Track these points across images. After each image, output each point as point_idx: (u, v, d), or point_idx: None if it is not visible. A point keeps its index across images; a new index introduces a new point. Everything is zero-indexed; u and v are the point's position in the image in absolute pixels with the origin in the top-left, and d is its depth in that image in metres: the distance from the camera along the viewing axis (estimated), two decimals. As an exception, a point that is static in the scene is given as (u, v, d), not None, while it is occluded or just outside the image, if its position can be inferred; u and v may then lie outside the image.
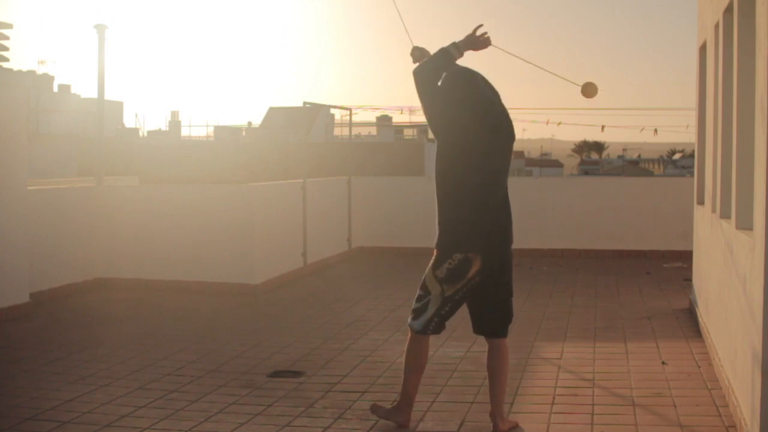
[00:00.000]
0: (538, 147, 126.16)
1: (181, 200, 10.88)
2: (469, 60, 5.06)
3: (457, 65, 5.01)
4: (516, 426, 5.17)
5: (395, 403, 5.29)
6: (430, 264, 4.97)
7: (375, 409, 5.29)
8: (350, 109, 15.39)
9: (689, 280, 9.90)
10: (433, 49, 5.07)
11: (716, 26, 7.02)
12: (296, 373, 6.44)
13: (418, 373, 5.13)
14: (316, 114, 45.64)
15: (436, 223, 4.97)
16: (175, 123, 49.95)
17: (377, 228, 14.50)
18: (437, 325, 5.02)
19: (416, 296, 5.05)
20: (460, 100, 4.84)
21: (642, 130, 35.75)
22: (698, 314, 8.13)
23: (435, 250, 4.96)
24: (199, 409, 5.63)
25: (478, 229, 4.84)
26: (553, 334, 7.96)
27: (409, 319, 5.09)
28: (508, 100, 5.00)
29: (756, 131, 4.71)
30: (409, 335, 5.10)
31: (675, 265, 12.58)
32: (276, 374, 6.47)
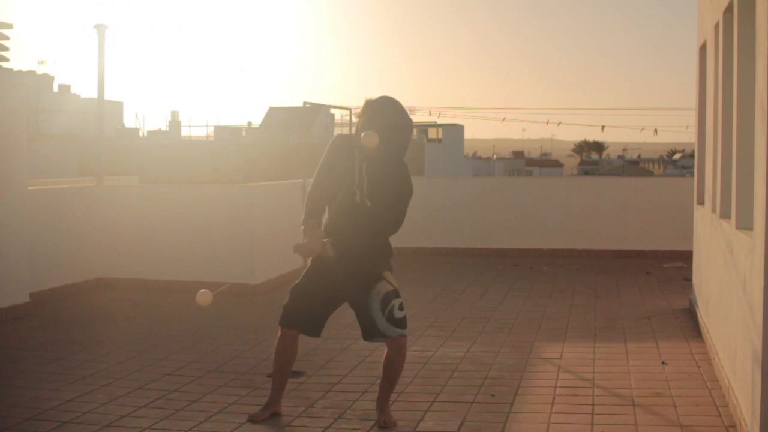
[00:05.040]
0: (538, 147, 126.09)
1: (181, 200, 10.87)
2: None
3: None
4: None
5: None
6: (390, 274, 5.51)
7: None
8: (350, 109, 15.37)
9: (689, 280, 9.90)
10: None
11: (716, 26, 7.02)
12: (296, 373, 6.43)
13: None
14: (316, 114, 45.67)
15: (380, 243, 5.49)
16: (175, 123, 49.88)
17: (377, 228, 14.45)
18: None
19: (399, 305, 5.40)
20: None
21: (642, 130, 35.83)
22: (698, 314, 8.13)
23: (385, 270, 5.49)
24: (199, 409, 5.63)
25: None
26: (553, 334, 7.96)
27: (405, 330, 5.38)
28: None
29: (756, 131, 4.71)
30: (403, 345, 5.35)
31: (675, 265, 12.58)
32: (276, 374, 6.46)
